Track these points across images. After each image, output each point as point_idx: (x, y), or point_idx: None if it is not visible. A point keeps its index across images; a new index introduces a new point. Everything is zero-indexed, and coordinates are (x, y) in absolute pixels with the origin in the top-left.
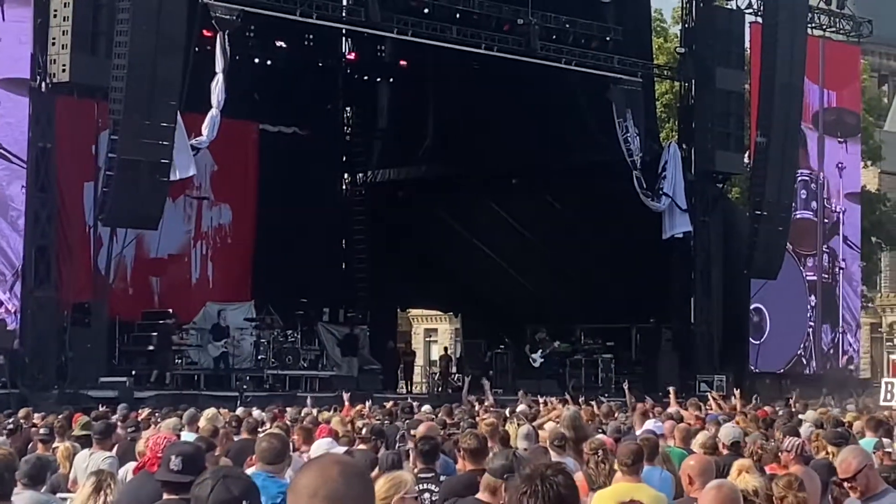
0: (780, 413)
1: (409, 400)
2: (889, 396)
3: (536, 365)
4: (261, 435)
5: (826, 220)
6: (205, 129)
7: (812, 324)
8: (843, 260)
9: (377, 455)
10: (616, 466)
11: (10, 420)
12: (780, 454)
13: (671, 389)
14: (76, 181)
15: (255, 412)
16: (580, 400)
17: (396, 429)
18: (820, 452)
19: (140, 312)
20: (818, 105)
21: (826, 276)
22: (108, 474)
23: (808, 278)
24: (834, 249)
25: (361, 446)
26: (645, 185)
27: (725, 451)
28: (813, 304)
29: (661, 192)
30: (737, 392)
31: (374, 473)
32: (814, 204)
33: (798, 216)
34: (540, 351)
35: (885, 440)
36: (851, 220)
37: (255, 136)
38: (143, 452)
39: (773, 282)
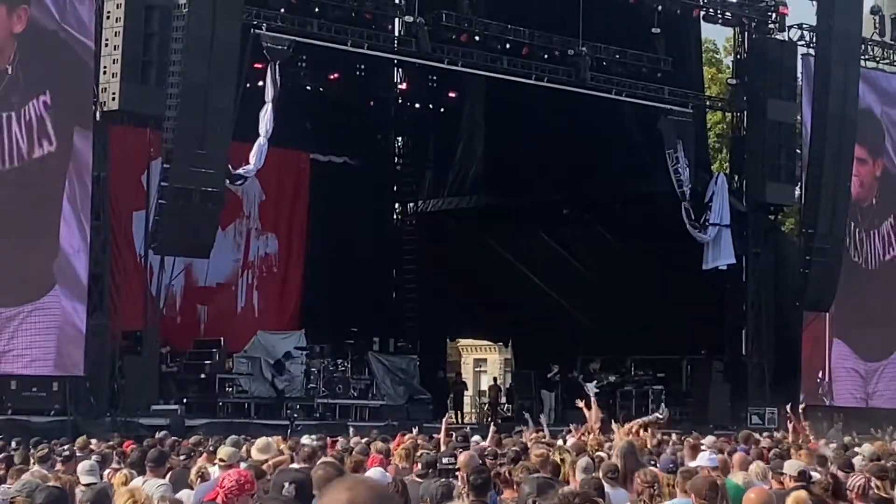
0: (834, 446)
1: (466, 429)
2: None
3: (591, 394)
4: (316, 464)
5: None
6: (252, 158)
7: None
8: None
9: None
10: (694, 500)
11: (65, 447)
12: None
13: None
14: (126, 210)
15: (305, 439)
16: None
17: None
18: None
19: (189, 340)
20: None
21: None
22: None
23: None
24: None
25: (417, 479)
26: (693, 217)
27: (793, 483)
28: None
29: (706, 224)
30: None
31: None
32: None
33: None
34: (595, 381)
35: None
36: None
37: (306, 165)
38: (193, 480)
39: None
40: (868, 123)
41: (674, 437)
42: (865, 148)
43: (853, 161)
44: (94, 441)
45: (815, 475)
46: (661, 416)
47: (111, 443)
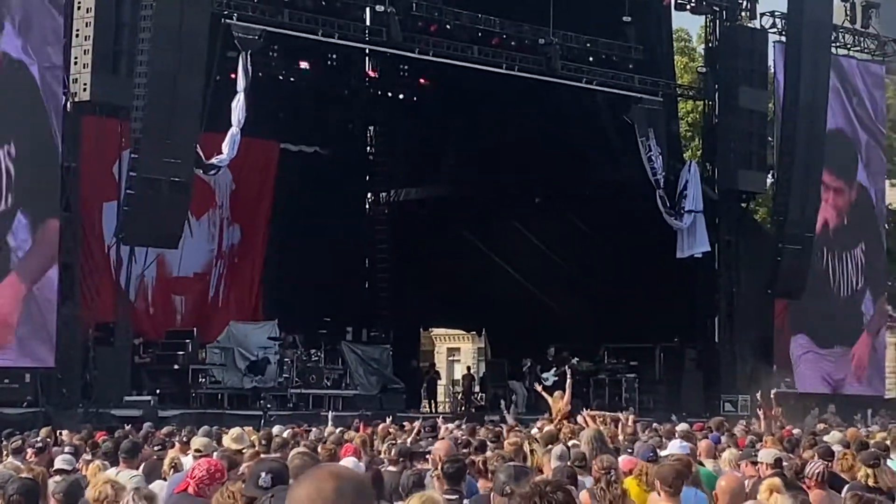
0: (803, 433)
1: (437, 418)
2: None
3: (549, 384)
4: (291, 454)
5: None
6: (225, 148)
7: None
8: None
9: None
10: (658, 487)
11: (38, 439)
12: (805, 479)
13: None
14: (97, 200)
15: (277, 429)
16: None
17: (419, 447)
18: (856, 473)
19: (163, 331)
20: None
21: None
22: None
23: None
24: None
25: (391, 468)
26: (668, 204)
27: (769, 471)
28: None
29: (683, 211)
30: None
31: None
32: None
33: None
34: (554, 370)
35: None
36: None
37: (276, 155)
38: (166, 471)
39: None
40: (837, 145)
41: (646, 426)
42: (838, 175)
43: (824, 148)
44: (65, 432)
45: (785, 462)
46: (622, 418)
47: (81, 434)
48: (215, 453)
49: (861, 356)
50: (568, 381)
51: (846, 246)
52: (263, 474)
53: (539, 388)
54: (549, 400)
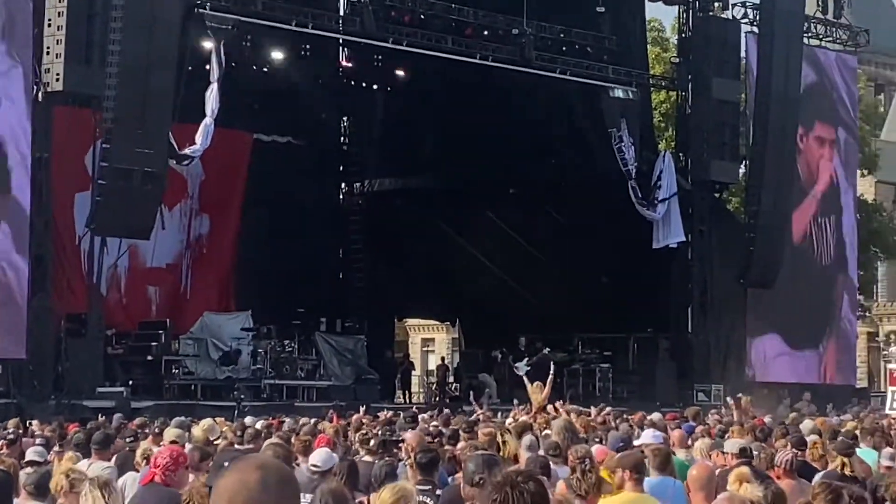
0: (774, 423)
1: (414, 409)
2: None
3: (521, 374)
4: (264, 445)
5: None
6: (198, 138)
7: None
8: None
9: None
10: (625, 476)
11: (9, 430)
12: (774, 468)
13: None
14: (68, 191)
15: (249, 420)
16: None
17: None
18: (827, 462)
19: (137, 322)
20: None
21: None
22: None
23: None
24: None
25: (367, 458)
26: (640, 195)
27: (735, 461)
28: None
29: (656, 201)
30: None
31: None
32: None
33: None
34: (526, 359)
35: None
36: None
37: (249, 145)
38: (139, 462)
39: None
40: (817, 95)
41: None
42: (826, 122)
43: (797, 137)
44: (35, 423)
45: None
46: (594, 413)
47: (52, 426)
48: (188, 445)
49: (831, 354)
50: (551, 375)
51: (827, 211)
52: (227, 464)
53: (522, 374)
54: (529, 390)
